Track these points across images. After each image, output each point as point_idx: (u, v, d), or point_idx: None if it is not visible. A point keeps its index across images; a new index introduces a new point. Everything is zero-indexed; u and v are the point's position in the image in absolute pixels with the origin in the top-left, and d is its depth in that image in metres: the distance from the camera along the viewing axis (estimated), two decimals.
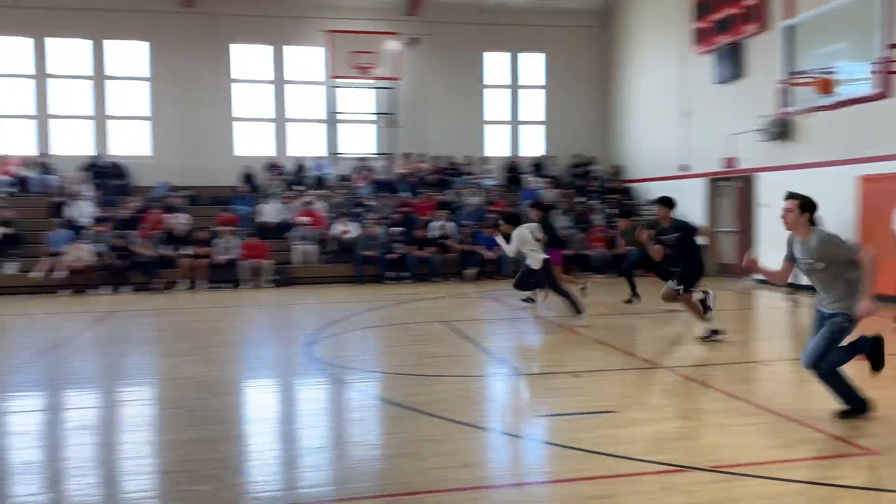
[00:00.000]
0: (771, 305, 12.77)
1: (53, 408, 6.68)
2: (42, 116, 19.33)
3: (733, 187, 16.73)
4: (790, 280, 8.93)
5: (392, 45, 20.46)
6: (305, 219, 17.50)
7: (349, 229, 17.40)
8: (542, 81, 22.10)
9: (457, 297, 13.96)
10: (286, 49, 20.58)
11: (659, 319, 10.72)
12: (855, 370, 5.60)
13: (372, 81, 20.71)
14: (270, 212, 18.15)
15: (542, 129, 22.26)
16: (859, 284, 5.26)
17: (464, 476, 4.54)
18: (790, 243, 5.59)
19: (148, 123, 19.97)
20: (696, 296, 8.87)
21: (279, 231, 17.73)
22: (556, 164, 21.76)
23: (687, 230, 8.87)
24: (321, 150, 20.83)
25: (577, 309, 10.00)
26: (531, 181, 20.50)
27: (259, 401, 6.95)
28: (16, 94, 19.21)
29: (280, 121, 20.73)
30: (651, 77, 19.98)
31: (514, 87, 22.07)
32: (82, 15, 19.06)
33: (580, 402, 6.20)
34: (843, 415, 5.52)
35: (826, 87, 10.95)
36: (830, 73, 10.94)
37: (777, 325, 11.24)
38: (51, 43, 19.23)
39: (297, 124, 20.93)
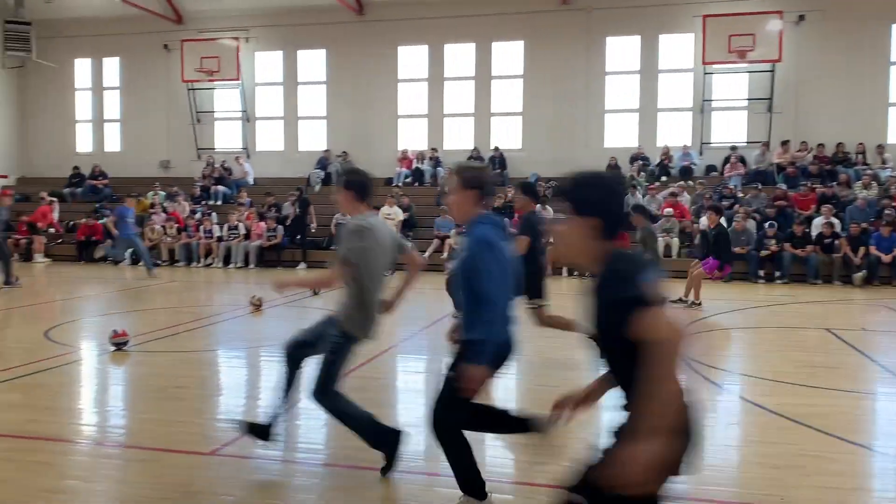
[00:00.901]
0: None
1: (435, 372, 7.52)
2: (435, 115, 21.78)
3: None
4: None
5: (773, 24, 18.88)
6: (669, 210, 17.11)
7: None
8: None
9: (842, 303, 12.46)
10: (657, 38, 20.27)
11: None
12: None
13: (746, 65, 19.39)
14: (633, 203, 18.09)
15: None
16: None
17: (855, 500, 4.05)
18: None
19: (519, 118, 21.29)
20: None
21: None
22: None
23: None
24: (689, 140, 20.15)
25: None
26: None
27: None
28: (413, 97, 21.93)
29: (648, 111, 20.52)
30: None
31: None
32: (471, 21, 20.99)
33: None
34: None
35: None
36: None
37: None
38: (446, 49, 21.54)
39: (665, 114, 20.53)
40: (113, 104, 24.04)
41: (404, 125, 22.06)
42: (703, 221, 16.67)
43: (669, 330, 2.14)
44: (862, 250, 15.03)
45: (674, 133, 20.36)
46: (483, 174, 4.04)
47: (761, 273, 15.58)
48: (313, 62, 22.47)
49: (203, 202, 20.59)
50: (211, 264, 18.08)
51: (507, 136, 21.27)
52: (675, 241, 16.69)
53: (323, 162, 21.75)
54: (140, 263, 16.25)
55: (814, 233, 15.78)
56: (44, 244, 19.47)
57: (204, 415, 5.83)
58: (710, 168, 19.81)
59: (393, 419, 5.71)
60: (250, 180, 21.92)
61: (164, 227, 18.97)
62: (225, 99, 23.14)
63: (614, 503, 2.21)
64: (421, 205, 19.42)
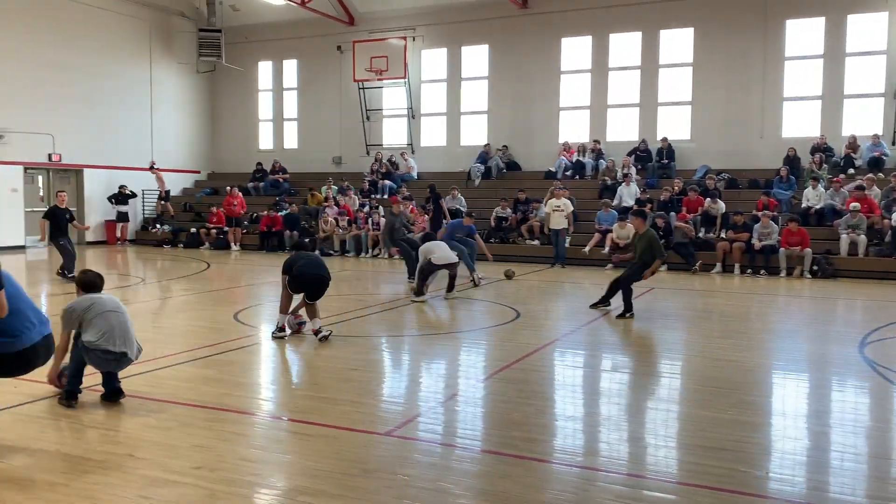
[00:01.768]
0: None
1: (595, 368, 7.48)
2: (598, 106, 21.42)
3: None
4: None
5: None
6: (855, 205, 15.80)
7: None
8: None
9: None
10: (845, 19, 18.71)
11: None
12: None
13: None
14: (814, 197, 16.90)
15: None
16: None
17: None
18: None
19: (688, 108, 20.46)
20: None
21: (823, 218, 16.42)
22: None
23: None
24: (879, 129, 18.46)
25: None
26: None
27: (797, 396, 6.62)
28: (575, 89, 21.67)
29: (833, 98, 19.00)
30: None
31: None
32: (638, 9, 20.43)
33: None
34: None
35: None
36: None
37: None
38: (611, 39, 21.10)
39: (852, 101, 18.94)
40: (291, 104, 25.72)
41: (566, 117, 21.88)
42: (895, 218, 15.31)
43: None
44: None
45: (862, 121, 18.73)
46: None
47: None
48: (476, 58, 22.81)
49: (371, 196, 21.56)
50: (378, 255, 18.92)
51: (675, 126, 20.52)
52: (862, 239, 15.40)
53: (483, 156, 22.07)
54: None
55: None
56: (241, 234, 21.21)
57: (376, 396, 6.17)
58: None
59: (551, 412, 5.77)
60: (414, 175, 22.67)
61: (335, 219, 20.08)
62: (392, 97, 24.06)
63: None
64: (582, 198, 19.20)
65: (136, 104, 23.90)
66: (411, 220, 17.08)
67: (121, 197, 22.57)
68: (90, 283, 5.81)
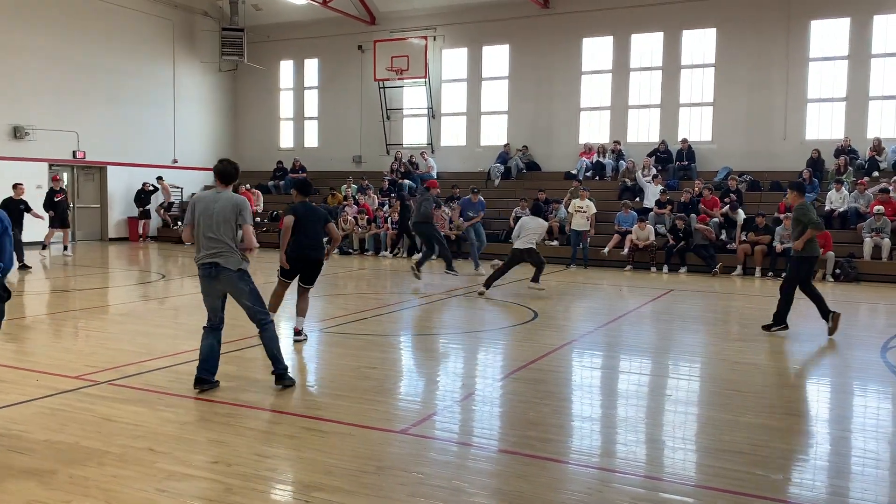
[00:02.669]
0: None
1: (613, 369, 7.45)
2: (618, 107, 21.31)
3: None
4: None
5: None
6: (879, 208, 15.60)
7: None
8: None
9: None
10: (871, 19, 18.46)
11: None
12: None
13: None
14: (838, 199, 16.70)
15: None
16: None
17: None
18: None
19: (710, 109, 20.30)
20: None
21: (847, 221, 16.23)
22: None
23: None
24: None
25: None
26: None
27: (818, 400, 6.55)
28: (596, 89, 21.58)
29: (858, 99, 18.76)
30: None
31: None
32: (659, 10, 20.30)
33: None
34: None
35: None
36: None
37: None
38: (633, 39, 20.99)
39: (877, 102, 18.69)
40: (312, 103, 25.85)
41: (586, 118, 21.80)
42: None
43: None
44: None
45: (887, 123, 18.49)
46: None
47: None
48: (497, 57, 22.79)
49: (391, 195, 21.61)
50: (397, 254, 18.96)
51: (696, 127, 20.37)
52: (886, 242, 15.20)
53: (503, 156, 22.04)
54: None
55: None
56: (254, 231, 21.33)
57: (393, 395, 6.19)
58: None
59: (568, 412, 5.76)
60: (434, 174, 22.68)
61: (355, 217, 20.14)
62: (413, 96, 24.10)
63: None
64: (602, 199, 19.11)
65: (159, 102, 24.14)
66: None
67: (143, 195, 22.82)
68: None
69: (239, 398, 5.80)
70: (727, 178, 18.20)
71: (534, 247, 12.03)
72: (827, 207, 16.73)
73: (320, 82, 25.56)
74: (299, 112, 26.08)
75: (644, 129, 21.08)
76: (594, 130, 21.64)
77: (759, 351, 8.06)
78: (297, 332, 7.98)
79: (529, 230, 12.00)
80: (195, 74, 25.38)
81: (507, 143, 22.29)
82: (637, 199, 18.64)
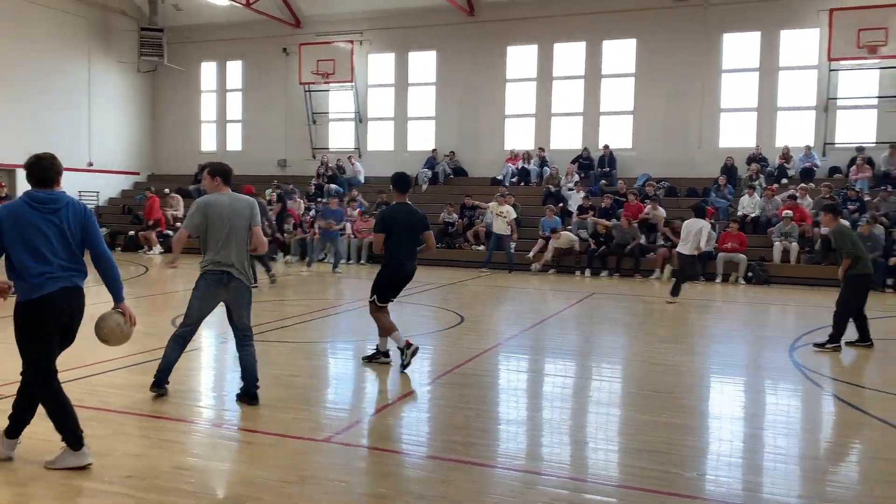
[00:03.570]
0: None
1: (537, 372, 7.56)
2: (542, 114, 21.69)
3: None
4: None
5: None
6: (788, 213, 16.36)
7: None
8: None
9: None
10: (778, 34, 19.37)
11: None
12: None
13: (876, 61, 18.24)
14: (750, 205, 17.44)
15: None
16: None
17: None
18: None
19: (630, 118, 20.88)
20: None
21: (759, 226, 16.96)
22: None
23: None
24: (811, 140, 19.16)
25: None
26: None
27: (732, 399, 6.80)
28: (520, 96, 21.90)
29: (767, 110, 19.65)
30: None
31: None
32: (582, 20, 20.76)
33: None
34: None
35: None
36: None
37: None
38: (556, 48, 21.39)
39: (785, 113, 19.61)
40: (235, 105, 25.32)
41: (511, 125, 22.09)
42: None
43: None
44: None
45: (794, 133, 19.42)
46: None
47: (889, 282, 14.68)
48: (424, 63, 22.86)
49: (317, 200, 21.35)
50: (323, 259, 18.74)
51: (617, 135, 20.91)
52: (794, 246, 15.95)
53: (431, 161, 22.11)
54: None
55: None
56: (154, 236, 20.68)
57: (316, 403, 6.11)
58: (834, 170, 18.79)
59: (492, 416, 5.80)
60: (361, 179, 22.55)
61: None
62: (339, 100, 23.91)
63: None
64: (527, 204, 19.41)
65: (73, 103, 23.18)
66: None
67: None
68: None
69: (158, 410, 5.61)
70: (646, 184, 18.76)
71: (696, 253, 12.28)
72: (740, 212, 17.43)
73: (244, 85, 25.07)
74: (222, 115, 25.50)
75: (567, 137, 21.50)
76: (520, 137, 21.95)
77: (676, 352, 8.32)
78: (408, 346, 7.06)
79: (692, 233, 12.11)
80: (112, 75, 24.49)
81: (435, 149, 22.38)
82: (561, 204, 19.00)
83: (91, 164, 23.48)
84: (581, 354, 8.43)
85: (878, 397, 6.60)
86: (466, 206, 19.14)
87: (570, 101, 21.42)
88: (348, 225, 18.96)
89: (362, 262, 18.44)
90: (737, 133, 19.93)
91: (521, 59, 21.77)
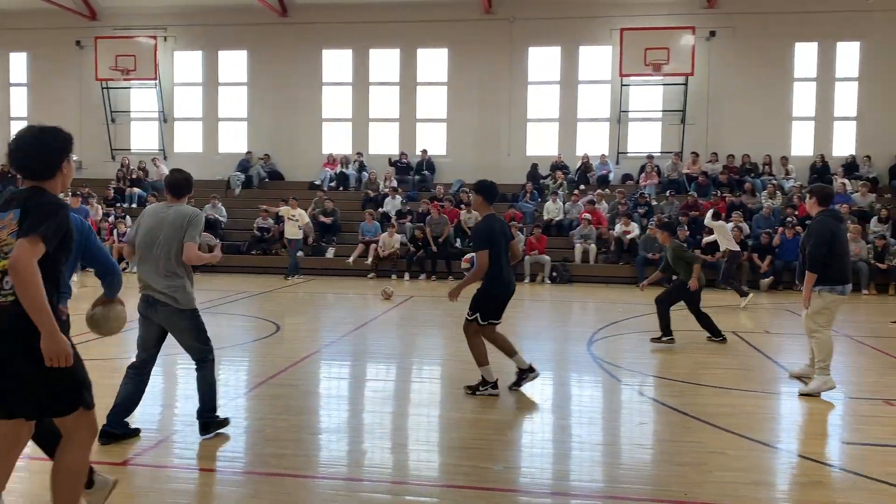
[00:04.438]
0: None
1: (355, 378, 7.54)
2: (360, 119, 21.71)
3: None
4: None
5: (686, 39, 19.68)
6: (587, 216, 17.58)
7: (631, 230, 17.16)
8: (856, 73, 19.82)
9: (748, 308, 13.05)
10: (577, 49, 20.78)
11: None
12: None
13: (660, 78, 20.14)
14: (554, 210, 18.53)
15: (852, 125, 19.97)
16: None
17: (753, 494, 4.29)
18: None
19: (444, 125, 21.45)
20: None
21: (562, 229, 18.06)
22: (871, 164, 19.37)
23: None
24: (606, 149, 20.75)
25: None
26: (842, 184, 18.43)
27: (539, 392, 7.16)
28: (337, 100, 21.80)
29: (568, 120, 21.01)
30: None
31: (825, 79, 20.01)
32: (396, 27, 21.03)
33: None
34: None
35: None
36: None
37: None
38: (371, 54, 21.49)
39: (584, 124, 21.08)
40: (20, 101, 22.99)
41: (329, 129, 21.91)
42: (618, 229, 17.28)
43: None
44: (769, 258, 15.88)
45: (593, 142, 20.92)
46: None
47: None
48: (234, 63, 22.07)
49: (118, 205, 19.91)
50: (125, 269, 17.48)
51: (432, 142, 21.39)
52: (593, 248, 17.16)
53: (244, 164, 21.39)
54: None
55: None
56: None
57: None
58: (627, 177, 20.46)
59: (308, 425, 5.69)
60: None
61: None
62: (141, 99, 22.47)
63: None
64: (346, 209, 19.33)
65: None
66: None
67: None
68: None
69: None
70: (460, 190, 19.36)
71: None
72: (545, 217, 18.47)
73: (30, 79, 22.84)
74: (4, 111, 23.04)
75: (384, 142, 21.68)
76: (338, 141, 21.81)
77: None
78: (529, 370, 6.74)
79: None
80: None
81: (249, 151, 21.67)
82: (379, 209, 19.10)
83: None
84: (399, 357, 8.50)
85: (662, 384, 7.24)
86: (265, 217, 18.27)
87: (387, 106, 21.63)
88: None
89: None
90: (541, 142, 21.13)
91: (337, 62, 21.66)
